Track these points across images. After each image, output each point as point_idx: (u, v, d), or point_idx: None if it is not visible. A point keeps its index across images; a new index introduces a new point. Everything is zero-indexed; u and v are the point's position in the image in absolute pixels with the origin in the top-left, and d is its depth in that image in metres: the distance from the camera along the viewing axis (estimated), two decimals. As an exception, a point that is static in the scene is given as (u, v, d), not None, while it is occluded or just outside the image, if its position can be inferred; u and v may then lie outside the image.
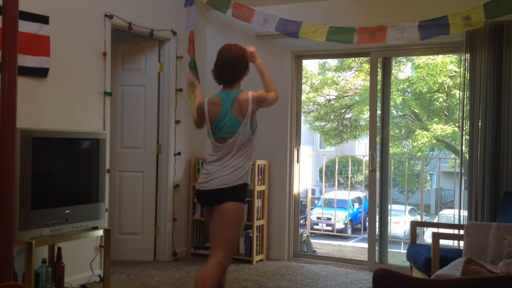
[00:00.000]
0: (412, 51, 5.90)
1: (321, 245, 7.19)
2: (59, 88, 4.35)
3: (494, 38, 4.65)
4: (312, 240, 6.92)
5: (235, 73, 3.32)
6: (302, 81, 6.49)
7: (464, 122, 4.83)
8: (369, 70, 6.06)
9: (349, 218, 14.46)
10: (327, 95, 16.73)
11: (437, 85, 13.25)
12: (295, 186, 5.83)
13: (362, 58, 12.73)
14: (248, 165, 3.30)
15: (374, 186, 5.50)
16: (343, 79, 16.24)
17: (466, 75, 4.80)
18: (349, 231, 14.27)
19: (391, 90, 6.18)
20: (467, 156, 4.80)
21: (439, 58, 12.58)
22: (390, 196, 6.81)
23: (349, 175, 10.04)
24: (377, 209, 5.55)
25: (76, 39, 4.49)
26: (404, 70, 15.38)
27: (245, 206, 3.32)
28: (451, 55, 11.88)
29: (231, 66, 3.30)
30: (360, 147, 19.37)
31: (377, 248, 5.49)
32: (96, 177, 4.17)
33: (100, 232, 4.16)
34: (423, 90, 13.60)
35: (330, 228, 10.72)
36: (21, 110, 3.48)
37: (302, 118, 7.97)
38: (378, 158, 5.50)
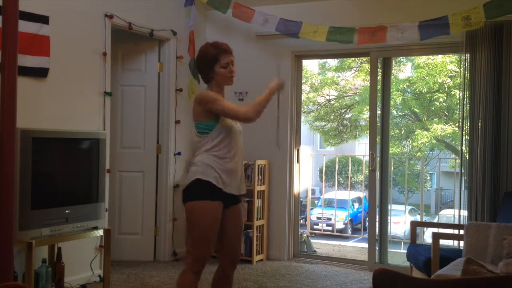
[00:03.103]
0: (412, 51, 5.90)
1: (321, 245, 7.19)
2: (59, 88, 4.35)
3: (494, 38, 4.65)
4: (312, 240, 6.92)
5: (200, 73, 3.20)
6: (302, 81, 6.49)
7: (464, 122, 4.83)
8: (369, 70, 6.06)
9: (349, 218, 14.47)
10: (327, 95, 16.73)
11: (437, 85, 13.25)
12: (295, 186, 5.83)
13: (362, 58, 12.74)
14: (201, 160, 3.02)
15: (374, 186, 5.50)
16: (343, 79, 16.25)
17: (466, 75, 4.80)
18: (349, 231, 14.28)
19: (391, 90, 6.18)
20: (467, 156, 4.80)
21: (439, 58, 12.59)
22: (390, 196, 6.81)
23: (349, 175, 10.04)
24: (377, 209, 5.55)
25: (76, 39, 4.49)
26: (404, 70, 15.38)
27: (197, 203, 3.00)
28: (451, 55, 11.88)
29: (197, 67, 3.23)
30: (360, 147, 19.38)
31: (377, 248, 5.49)
32: (96, 177, 4.17)
33: (100, 232, 4.16)
34: (423, 90, 13.61)
35: (330, 228, 10.73)
36: (21, 110, 3.48)
37: (302, 118, 7.97)
38: (378, 158, 5.50)
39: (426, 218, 14.34)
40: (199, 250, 3.01)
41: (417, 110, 14.81)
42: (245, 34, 5.78)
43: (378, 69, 5.54)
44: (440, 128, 14.04)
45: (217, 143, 3.05)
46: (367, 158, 5.66)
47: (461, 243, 4.38)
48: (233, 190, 3.07)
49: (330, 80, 16.22)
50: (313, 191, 17.57)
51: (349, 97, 16.61)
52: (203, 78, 3.19)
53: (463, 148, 4.91)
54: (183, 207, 3.10)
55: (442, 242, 4.27)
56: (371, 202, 5.57)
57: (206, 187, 2.99)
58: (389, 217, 5.88)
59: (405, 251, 4.73)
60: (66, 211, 3.87)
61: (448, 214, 12.52)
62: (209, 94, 3.07)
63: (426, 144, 14.99)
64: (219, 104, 3.03)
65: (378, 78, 5.51)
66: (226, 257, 3.20)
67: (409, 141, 15.55)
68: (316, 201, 15.48)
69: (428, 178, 18.08)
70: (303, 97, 11.86)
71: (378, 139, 5.55)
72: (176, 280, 3.10)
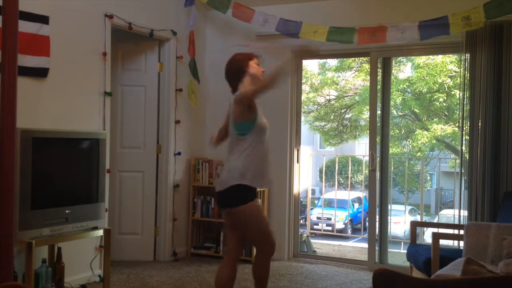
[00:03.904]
0: (412, 51, 5.90)
1: (321, 245, 7.19)
2: (59, 88, 4.35)
3: (494, 38, 4.65)
4: (312, 240, 6.92)
5: (229, 80, 3.46)
6: (302, 81, 6.49)
7: (464, 122, 4.83)
8: (369, 70, 6.06)
9: (349, 218, 14.47)
10: (327, 95, 16.73)
11: (437, 85, 13.25)
12: (295, 186, 5.83)
13: (362, 58, 12.74)
14: (241, 164, 3.26)
15: (374, 186, 5.50)
16: (343, 79, 16.25)
17: (466, 75, 4.80)
18: (349, 231, 14.27)
19: (391, 90, 6.18)
20: (467, 156, 4.80)
21: (439, 58, 12.58)
22: (390, 196, 6.81)
23: (349, 175, 10.05)
24: (377, 209, 5.55)
25: (76, 39, 4.49)
26: (404, 70, 15.38)
27: (250, 205, 3.31)
28: (451, 55, 11.88)
29: (226, 74, 3.47)
30: (360, 147, 19.38)
31: (377, 248, 5.49)
32: (96, 177, 4.17)
33: (100, 232, 4.16)
34: (423, 90, 13.61)
35: (330, 228, 10.72)
36: (21, 110, 3.49)
37: (302, 118, 7.97)
38: (378, 158, 5.50)
39: (426, 218, 14.35)
40: (270, 237, 3.44)
41: (417, 110, 14.81)
42: (245, 34, 5.77)
43: (378, 69, 5.54)
44: (440, 128, 14.04)
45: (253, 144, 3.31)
46: (367, 158, 5.66)
47: (461, 243, 4.38)
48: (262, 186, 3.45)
49: (330, 80, 16.22)
50: (313, 191, 17.57)
51: (349, 97, 16.61)
52: (231, 83, 3.43)
53: (463, 148, 4.91)
54: (227, 210, 3.37)
55: (442, 242, 4.27)
56: (371, 202, 5.57)
57: (249, 189, 3.28)
58: (389, 217, 5.88)
59: (405, 251, 4.72)
60: (66, 211, 3.87)
61: (448, 214, 12.52)
62: (240, 92, 3.33)
63: (426, 144, 14.99)
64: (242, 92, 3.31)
65: (378, 78, 5.51)
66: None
67: (409, 141, 15.55)
68: (316, 201, 15.48)
69: (428, 178, 18.08)
70: (303, 97, 11.86)
71: (378, 139, 5.55)
72: (257, 269, 3.48)
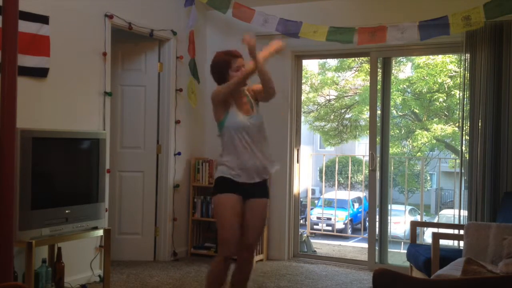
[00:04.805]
0: (412, 51, 5.90)
1: (321, 245, 7.19)
2: (59, 88, 4.35)
3: (494, 38, 4.65)
4: (312, 240, 6.92)
5: (214, 78, 3.59)
6: (302, 81, 6.49)
7: (464, 122, 4.83)
8: (369, 70, 6.06)
9: (349, 218, 14.46)
10: (327, 95, 16.73)
11: (437, 85, 13.25)
12: (295, 186, 5.83)
13: (362, 58, 12.73)
14: (220, 160, 3.47)
15: (374, 186, 5.50)
16: (343, 79, 16.24)
17: (466, 75, 4.80)
18: (349, 231, 14.27)
19: (391, 90, 6.18)
20: (467, 156, 4.80)
21: (439, 58, 12.58)
22: (390, 196, 6.81)
23: (349, 175, 10.05)
24: (377, 209, 5.55)
25: (76, 39, 4.49)
26: (404, 70, 15.37)
27: (217, 197, 3.44)
28: (451, 55, 11.88)
29: (211, 72, 3.60)
30: (360, 147, 19.37)
31: (377, 248, 5.49)
32: (96, 177, 4.17)
33: (100, 232, 4.16)
34: (423, 90, 13.61)
35: (330, 228, 10.72)
36: (21, 110, 3.48)
37: (302, 118, 7.97)
38: (378, 158, 5.50)
39: (426, 218, 14.34)
40: (222, 237, 3.42)
41: (417, 110, 14.81)
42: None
43: (378, 69, 5.54)
44: (440, 128, 14.03)
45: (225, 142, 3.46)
46: (367, 158, 5.66)
47: (461, 243, 4.38)
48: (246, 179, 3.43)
49: (330, 80, 16.22)
50: (313, 191, 17.56)
51: (349, 97, 16.60)
52: (218, 83, 3.51)
53: (463, 148, 4.91)
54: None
55: (442, 242, 4.27)
56: (371, 202, 5.57)
57: (221, 182, 3.43)
58: (389, 217, 5.88)
59: (405, 251, 4.73)
60: (66, 211, 3.87)
61: (448, 214, 12.51)
62: (214, 90, 3.47)
63: (426, 144, 14.99)
64: (223, 88, 3.42)
65: (378, 78, 5.51)
66: (242, 240, 3.46)
67: (409, 141, 15.54)
68: (316, 201, 15.48)
69: (428, 178, 18.07)
70: (303, 97, 11.85)
71: (378, 139, 5.55)
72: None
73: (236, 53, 3.51)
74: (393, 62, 11.58)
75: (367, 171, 5.69)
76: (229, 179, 3.38)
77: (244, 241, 3.46)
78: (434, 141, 14.88)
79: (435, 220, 13.34)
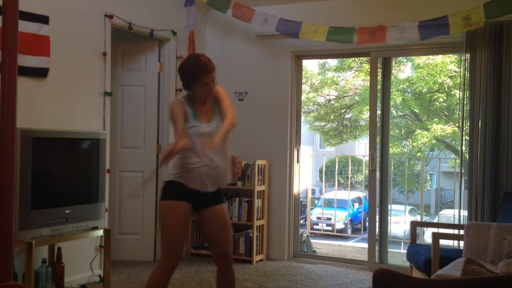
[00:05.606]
0: (412, 51, 5.90)
1: (321, 245, 7.19)
2: (59, 88, 4.35)
3: (494, 38, 4.65)
4: (312, 240, 6.92)
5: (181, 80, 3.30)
6: (302, 81, 6.48)
7: (464, 122, 4.83)
8: (369, 70, 6.06)
9: (349, 218, 14.46)
10: (327, 95, 16.73)
11: (437, 85, 13.25)
12: (295, 186, 5.83)
13: (362, 58, 12.73)
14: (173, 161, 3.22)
15: (374, 186, 5.50)
16: (343, 79, 16.24)
17: (466, 75, 4.80)
18: (349, 231, 14.27)
19: (391, 90, 6.18)
20: (467, 156, 4.80)
21: (439, 58, 12.58)
22: (390, 196, 6.81)
23: (349, 175, 10.04)
24: (377, 209, 5.55)
25: (76, 39, 4.49)
26: (404, 70, 15.37)
27: (163, 204, 3.19)
28: (451, 55, 11.88)
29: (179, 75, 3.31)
30: (360, 147, 19.37)
31: (377, 248, 5.49)
32: (96, 177, 4.17)
33: (100, 232, 4.16)
34: (423, 90, 13.61)
35: (330, 228, 10.72)
36: (21, 110, 3.48)
37: (302, 118, 7.97)
38: (378, 158, 5.50)
39: (426, 218, 14.34)
40: (164, 247, 3.16)
41: (417, 110, 14.81)
42: (245, 34, 5.78)
43: (378, 69, 5.54)
44: (440, 128, 14.03)
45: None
46: (367, 158, 5.66)
47: (461, 243, 4.38)
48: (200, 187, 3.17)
49: (330, 80, 16.22)
50: (313, 191, 17.56)
51: (349, 97, 16.60)
52: (183, 86, 3.23)
53: (463, 148, 4.91)
54: None
55: (442, 242, 4.27)
56: (371, 202, 5.57)
57: (169, 188, 3.23)
58: (389, 217, 5.88)
59: (405, 251, 4.73)
60: (66, 211, 3.87)
61: (448, 214, 12.51)
62: (173, 110, 3.15)
63: (426, 144, 14.98)
64: (174, 125, 3.15)
65: (378, 78, 5.51)
66: (215, 254, 3.30)
67: (409, 141, 15.54)
68: (316, 201, 15.48)
69: (428, 178, 18.07)
70: (303, 97, 11.86)
71: (378, 139, 5.55)
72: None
73: (209, 66, 3.14)
74: (393, 62, 11.59)
75: (367, 171, 5.69)
76: (182, 184, 3.19)
77: (219, 252, 3.26)
78: (434, 141, 14.87)
79: (435, 220, 13.34)
